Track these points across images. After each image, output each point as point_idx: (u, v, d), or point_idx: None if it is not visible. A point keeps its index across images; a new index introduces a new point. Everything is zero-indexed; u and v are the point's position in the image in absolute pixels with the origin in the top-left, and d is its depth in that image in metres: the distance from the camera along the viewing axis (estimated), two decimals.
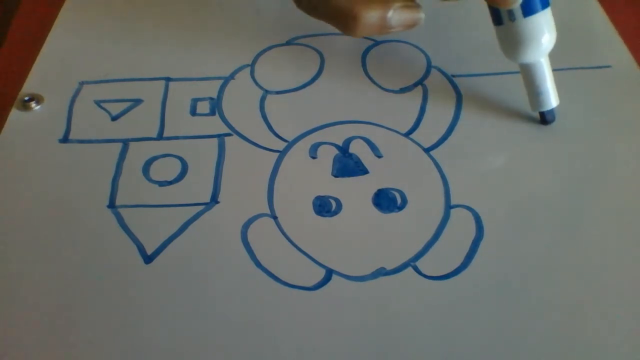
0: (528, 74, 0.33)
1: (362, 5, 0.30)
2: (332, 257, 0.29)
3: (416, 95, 0.36)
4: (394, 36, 0.39)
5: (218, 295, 0.27)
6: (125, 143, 0.33)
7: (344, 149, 0.33)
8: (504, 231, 0.30)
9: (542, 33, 0.31)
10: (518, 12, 0.31)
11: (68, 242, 0.29)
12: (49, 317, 0.27)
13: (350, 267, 0.28)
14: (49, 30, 0.40)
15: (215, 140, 0.34)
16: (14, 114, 0.35)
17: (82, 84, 0.37)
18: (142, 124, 0.34)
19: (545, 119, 0.34)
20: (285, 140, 0.34)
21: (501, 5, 0.31)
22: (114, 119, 0.35)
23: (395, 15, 0.30)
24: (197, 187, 0.31)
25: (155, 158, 0.33)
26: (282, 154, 0.33)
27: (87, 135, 0.34)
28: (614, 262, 0.29)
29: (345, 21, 0.30)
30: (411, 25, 0.31)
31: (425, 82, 0.37)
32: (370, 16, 0.30)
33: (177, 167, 0.32)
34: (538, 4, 0.31)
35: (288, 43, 0.39)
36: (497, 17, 0.32)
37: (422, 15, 0.32)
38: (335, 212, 0.30)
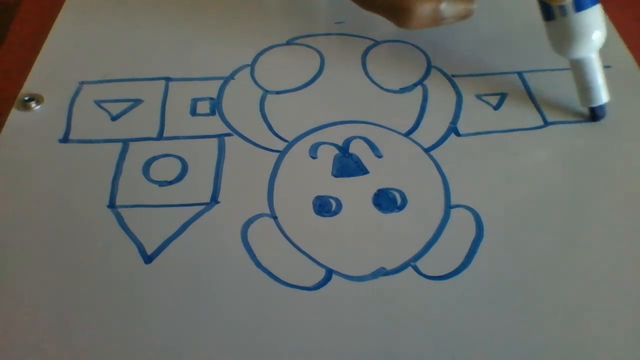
0: (579, 70, 0.33)
1: None
2: (332, 257, 0.29)
3: (416, 95, 0.36)
4: (394, 36, 0.39)
5: (218, 295, 0.27)
6: (125, 143, 0.33)
7: (344, 149, 0.33)
8: (504, 231, 0.30)
9: (593, 29, 0.31)
10: (570, 8, 0.31)
11: (68, 242, 0.29)
12: (48, 317, 0.27)
13: (350, 267, 0.28)
14: (49, 30, 0.40)
15: (215, 140, 0.34)
16: (14, 114, 0.35)
17: (82, 84, 0.37)
18: (142, 124, 0.34)
19: (595, 114, 0.34)
20: (285, 140, 0.34)
21: (554, 2, 0.31)
22: (114, 119, 0.35)
23: (449, 8, 0.31)
24: (197, 187, 0.31)
25: (155, 158, 0.33)
26: (282, 154, 0.33)
27: (87, 135, 0.34)
28: (614, 262, 0.29)
29: (399, 14, 0.31)
30: (464, 17, 0.32)
31: (425, 82, 0.37)
32: (424, 8, 0.31)
33: (177, 167, 0.32)
34: (589, 0, 0.31)
35: (288, 43, 0.39)
36: (548, 12, 0.32)
37: (474, 6, 0.32)
38: (335, 212, 0.30)
